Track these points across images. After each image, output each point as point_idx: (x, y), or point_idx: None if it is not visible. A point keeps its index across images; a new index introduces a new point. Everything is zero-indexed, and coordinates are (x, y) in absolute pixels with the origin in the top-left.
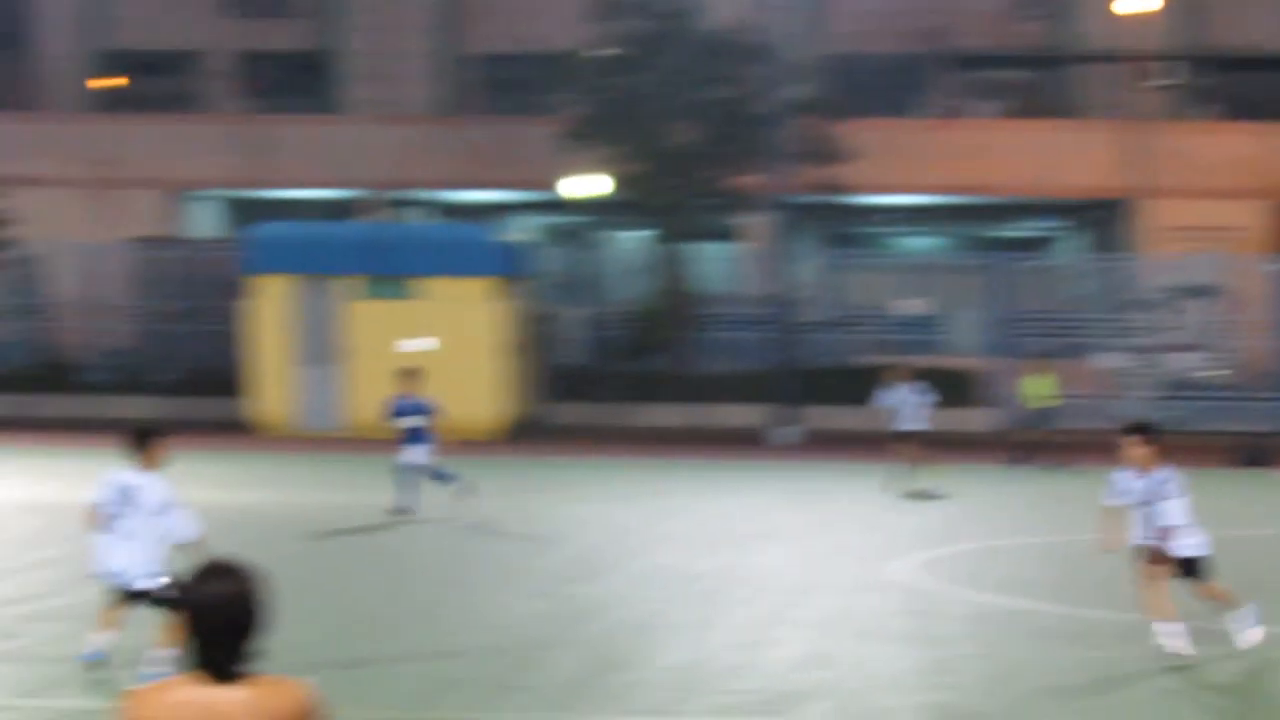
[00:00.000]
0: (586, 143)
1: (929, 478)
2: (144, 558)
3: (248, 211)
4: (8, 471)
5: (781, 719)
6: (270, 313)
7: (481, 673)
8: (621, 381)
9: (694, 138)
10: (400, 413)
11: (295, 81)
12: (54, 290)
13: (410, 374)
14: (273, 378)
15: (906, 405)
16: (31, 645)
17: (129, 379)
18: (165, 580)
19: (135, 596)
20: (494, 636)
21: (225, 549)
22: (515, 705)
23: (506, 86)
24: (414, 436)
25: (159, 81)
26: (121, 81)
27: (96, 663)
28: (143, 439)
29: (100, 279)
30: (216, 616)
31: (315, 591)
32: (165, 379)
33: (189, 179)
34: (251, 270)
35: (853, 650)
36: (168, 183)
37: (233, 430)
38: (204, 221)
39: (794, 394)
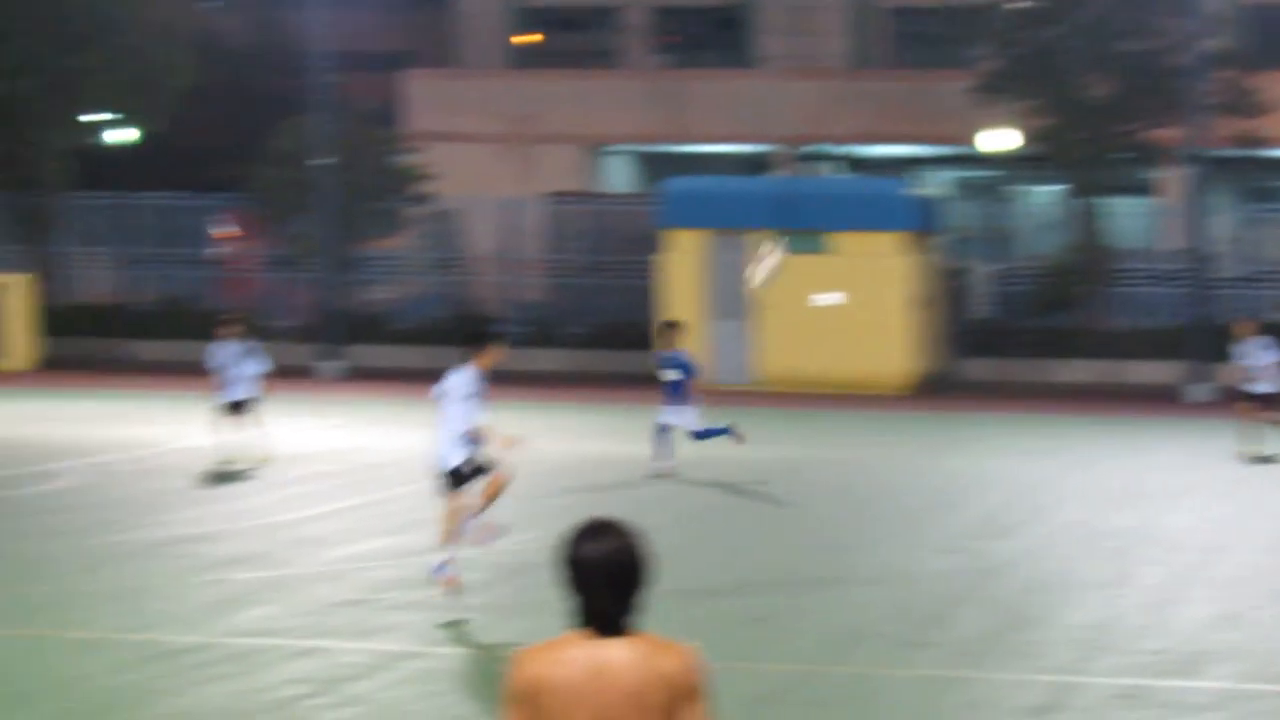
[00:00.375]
0: (999, 96)
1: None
2: (455, 442)
3: (661, 166)
4: (424, 423)
5: (1191, 680)
6: (682, 267)
7: (888, 628)
8: (1031, 337)
9: (1109, 90)
10: (663, 367)
11: (710, 36)
12: (470, 244)
13: (669, 328)
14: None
15: (1255, 363)
16: (443, 595)
17: (541, 333)
18: (466, 460)
19: (453, 476)
20: (902, 592)
21: (632, 502)
22: (921, 661)
23: (920, 40)
24: (673, 392)
25: (576, 37)
26: (538, 38)
27: (443, 575)
28: (477, 339)
29: (515, 233)
30: (599, 573)
31: (718, 545)
32: (577, 333)
33: (604, 134)
34: (664, 224)
35: (1265, 611)
36: (583, 138)
37: (644, 384)
38: (618, 176)
39: (1208, 351)
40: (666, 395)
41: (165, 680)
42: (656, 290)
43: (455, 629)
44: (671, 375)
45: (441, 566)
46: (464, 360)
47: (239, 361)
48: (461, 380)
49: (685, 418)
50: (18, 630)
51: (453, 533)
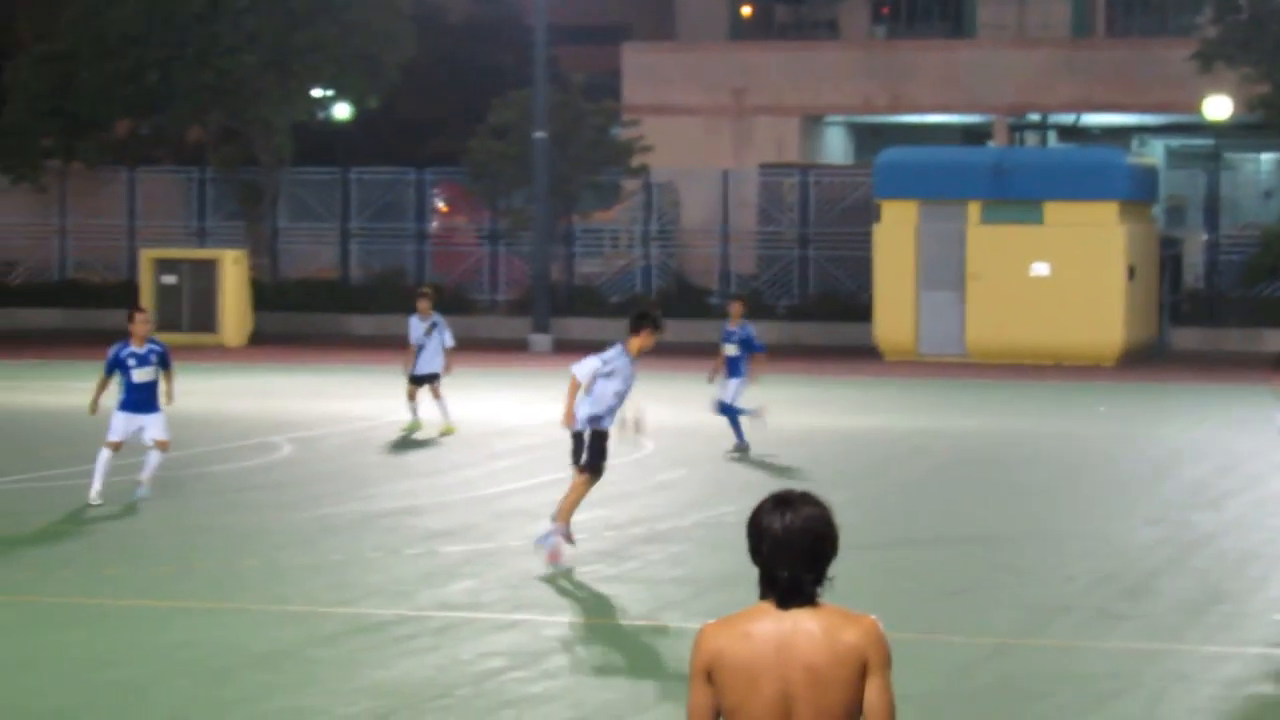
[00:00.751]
0: (1216, 64)
1: None
2: (586, 411)
3: (878, 137)
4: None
5: None
6: (895, 237)
7: (1090, 599)
8: (1244, 306)
9: None
10: (725, 341)
11: (928, 5)
12: (683, 217)
13: (732, 303)
14: (897, 302)
15: None
16: (641, 568)
17: (752, 304)
18: (589, 427)
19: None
20: (1105, 563)
21: (836, 473)
22: (1122, 633)
23: (1139, 8)
24: (732, 368)
25: (792, 8)
26: (748, 11)
27: (546, 546)
28: (633, 320)
29: (729, 205)
30: (786, 544)
31: (928, 515)
32: (788, 304)
33: (820, 105)
34: (879, 195)
35: None
36: (799, 109)
37: (859, 355)
38: (834, 147)
39: None
40: (727, 369)
41: (369, 653)
42: (871, 261)
43: (654, 603)
44: (732, 350)
45: (546, 537)
46: (625, 341)
47: (426, 335)
48: (604, 357)
49: (728, 389)
50: (227, 603)
51: (568, 510)
